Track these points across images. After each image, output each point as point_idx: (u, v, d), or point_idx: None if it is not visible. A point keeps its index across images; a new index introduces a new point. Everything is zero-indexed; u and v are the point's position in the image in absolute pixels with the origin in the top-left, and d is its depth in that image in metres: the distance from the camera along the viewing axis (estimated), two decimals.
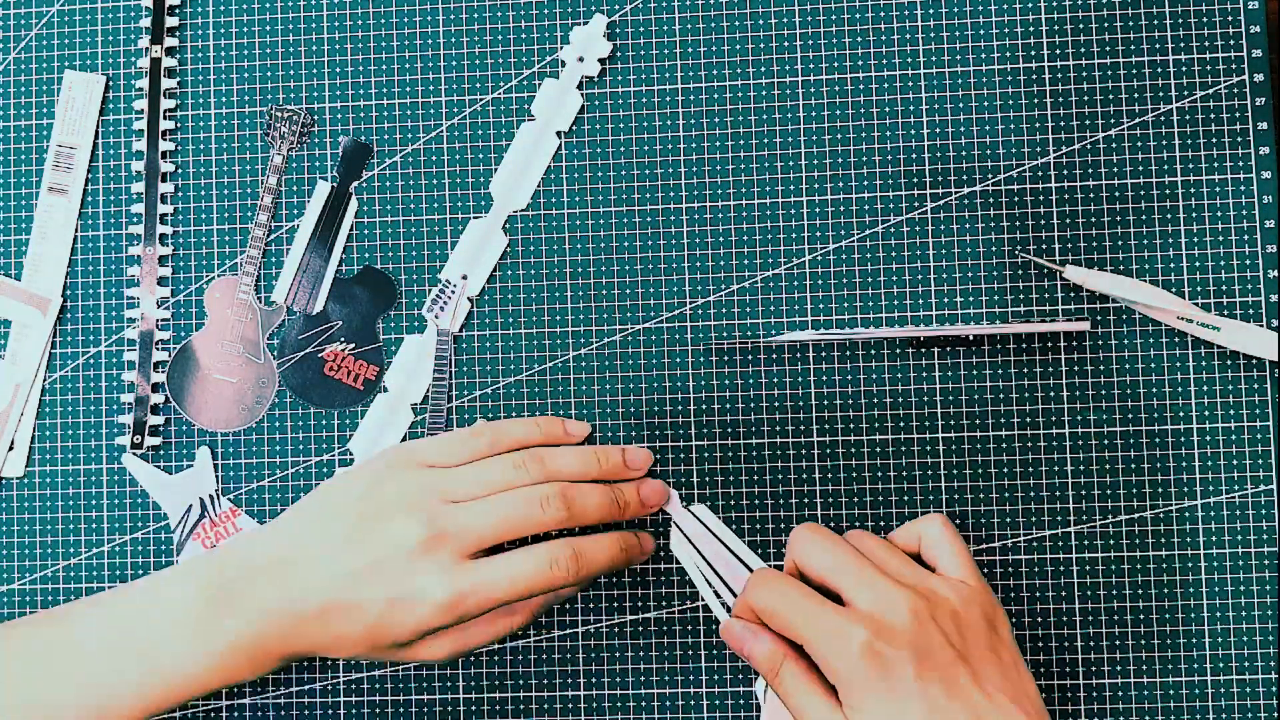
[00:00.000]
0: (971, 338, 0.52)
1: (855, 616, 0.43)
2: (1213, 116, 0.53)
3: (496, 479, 0.48)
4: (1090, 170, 0.53)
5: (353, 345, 0.55)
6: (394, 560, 0.45)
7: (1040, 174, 0.53)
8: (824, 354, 0.53)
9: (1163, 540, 0.52)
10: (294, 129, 0.55)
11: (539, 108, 0.54)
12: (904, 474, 0.52)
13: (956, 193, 0.53)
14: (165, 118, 0.55)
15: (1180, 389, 0.52)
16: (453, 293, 0.54)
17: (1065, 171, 0.53)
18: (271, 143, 0.55)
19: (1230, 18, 0.53)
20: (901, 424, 0.53)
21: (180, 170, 0.56)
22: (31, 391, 0.55)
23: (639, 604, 0.53)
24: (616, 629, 0.53)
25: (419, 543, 0.45)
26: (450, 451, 0.49)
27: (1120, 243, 0.52)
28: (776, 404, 0.53)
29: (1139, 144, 0.53)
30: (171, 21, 0.55)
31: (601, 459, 0.50)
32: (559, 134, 0.54)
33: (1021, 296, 0.53)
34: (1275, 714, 0.51)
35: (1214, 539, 0.52)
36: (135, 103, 0.56)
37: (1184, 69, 0.53)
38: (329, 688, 0.54)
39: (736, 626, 0.46)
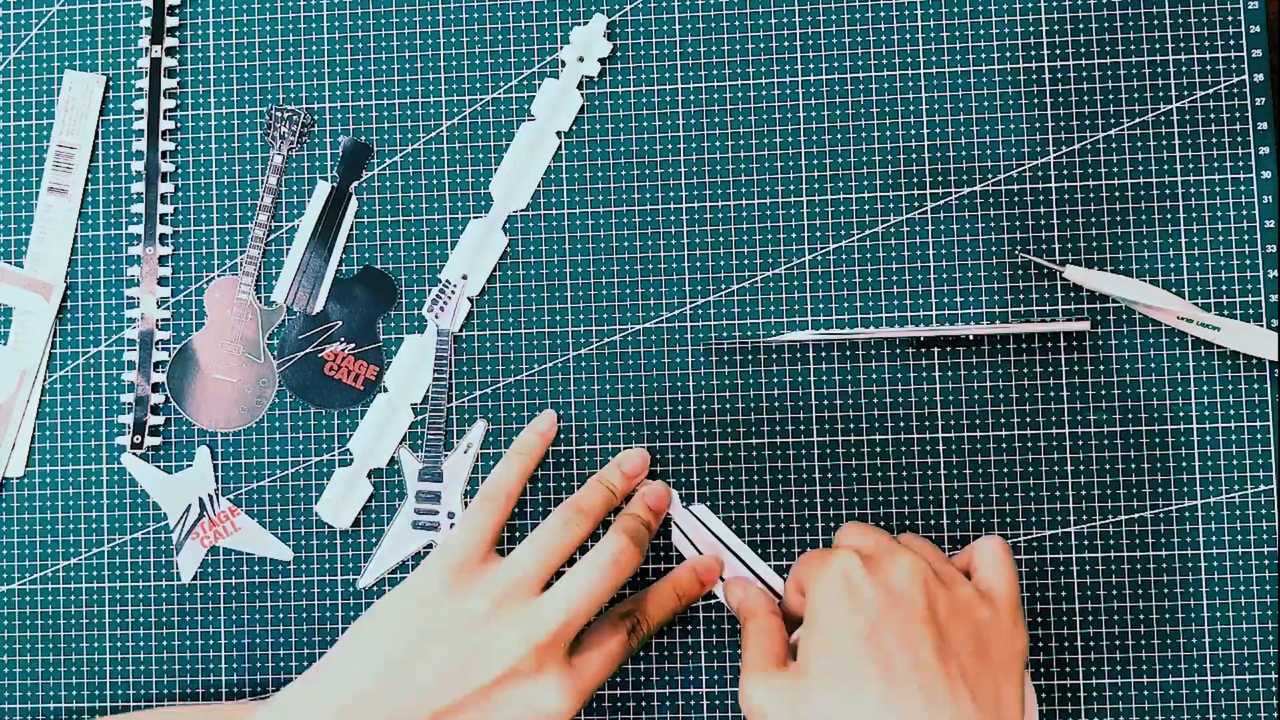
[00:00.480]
0: (971, 338, 0.52)
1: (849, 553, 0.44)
2: (1213, 116, 0.53)
3: (554, 544, 0.48)
4: (1090, 170, 0.53)
5: (353, 345, 0.55)
6: (508, 688, 0.45)
7: (1040, 174, 0.53)
8: (824, 354, 0.53)
9: (1163, 540, 0.52)
10: (294, 129, 0.55)
11: (539, 108, 0.54)
12: (904, 474, 0.52)
13: (956, 193, 0.53)
14: (165, 118, 0.55)
15: (1180, 389, 0.52)
16: (453, 293, 0.54)
17: (1065, 171, 0.53)
18: (271, 143, 0.55)
19: (1230, 18, 0.53)
20: (901, 424, 0.53)
21: (180, 170, 0.56)
22: (35, 382, 0.55)
23: None
24: None
25: (527, 657, 0.45)
26: (541, 562, 0.48)
27: (1120, 243, 0.52)
28: (776, 404, 0.53)
29: (1139, 144, 0.53)
30: (172, 21, 0.55)
31: (610, 483, 0.51)
32: (559, 134, 0.54)
33: (1021, 296, 0.53)
34: (1275, 714, 0.51)
35: (1214, 539, 0.52)
36: (135, 103, 0.56)
37: (1184, 69, 0.53)
38: None
39: (736, 586, 0.49)
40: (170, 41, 0.55)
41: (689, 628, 0.53)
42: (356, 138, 0.55)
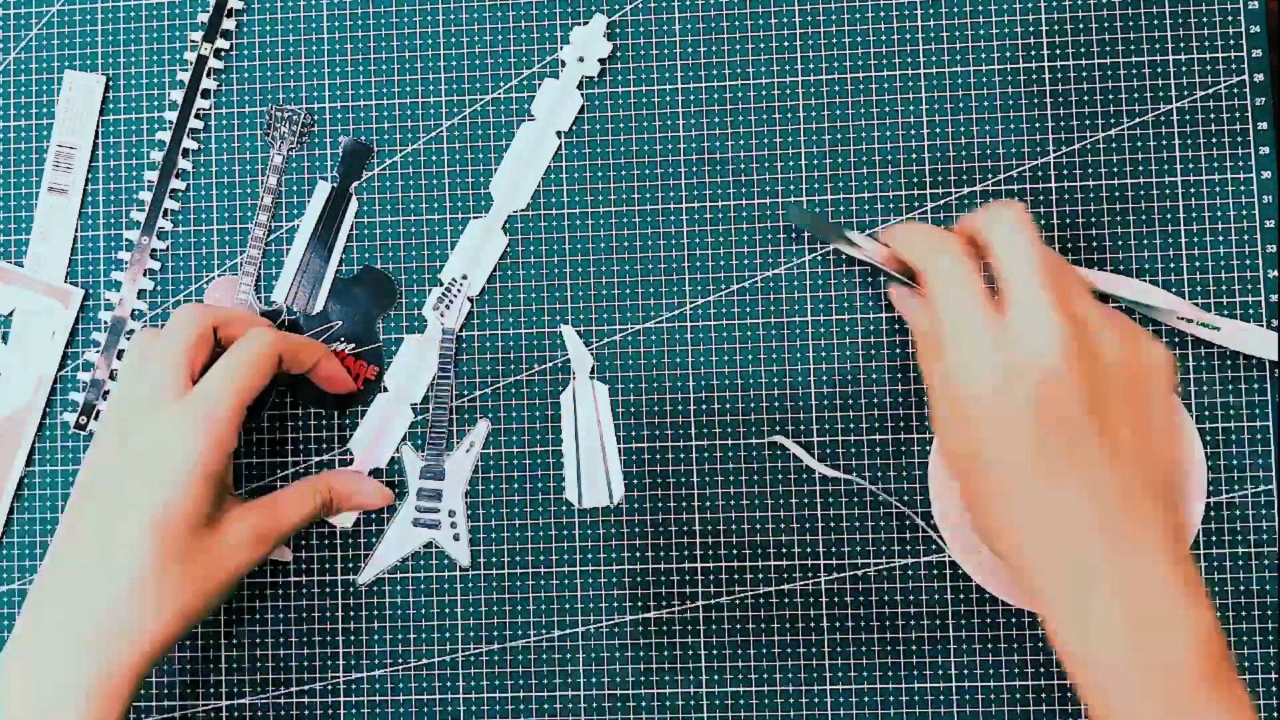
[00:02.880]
0: None
1: (1004, 332, 0.41)
2: (1213, 116, 0.53)
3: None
4: (1090, 170, 0.53)
5: (353, 345, 0.55)
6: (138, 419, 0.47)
7: (1040, 174, 0.53)
8: (824, 354, 0.53)
9: None
10: (294, 129, 0.55)
11: (539, 108, 0.54)
12: (904, 474, 0.52)
13: (956, 193, 0.53)
14: (196, 116, 0.55)
15: (1180, 389, 0.52)
16: (458, 292, 0.54)
17: (1065, 171, 0.53)
18: (271, 143, 0.55)
19: (1230, 18, 0.53)
20: (901, 424, 0.53)
21: (183, 170, 0.56)
22: (50, 388, 0.55)
23: (639, 604, 0.53)
24: (616, 629, 0.53)
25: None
26: None
27: (1120, 243, 0.53)
28: (776, 404, 0.53)
29: (1139, 144, 0.53)
30: (228, 24, 0.55)
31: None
32: (559, 134, 0.54)
33: None
34: (1275, 714, 0.51)
35: (1214, 539, 0.52)
36: (171, 92, 0.55)
37: (1184, 69, 0.53)
38: (329, 688, 0.54)
39: (909, 230, 0.45)
40: (221, 43, 0.55)
41: (689, 627, 0.53)
42: (356, 138, 0.55)
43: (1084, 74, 0.53)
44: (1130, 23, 0.53)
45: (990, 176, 0.53)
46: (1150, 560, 0.39)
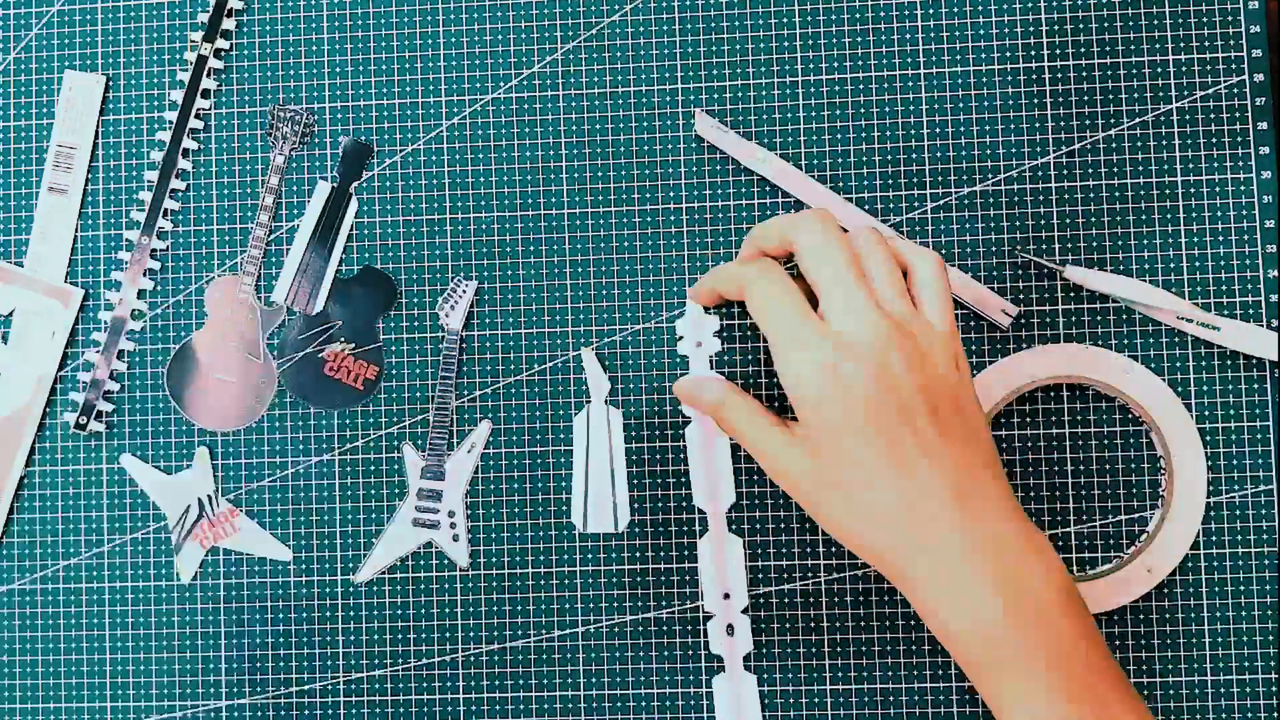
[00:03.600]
0: (972, 337, 0.52)
1: (823, 330, 0.43)
2: (1213, 116, 0.53)
3: None
4: (1090, 170, 0.53)
5: (353, 345, 0.55)
6: None
7: (1040, 174, 0.53)
8: None
9: None
10: (296, 129, 0.55)
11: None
12: None
13: (956, 193, 0.53)
14: (196, 116, 0.55)
15: (1180, 389, 0.52)
16: (463, 292, 0.54)
17: (1065, 171, 0.53)
18: (273, 143, 0.55)
19: (1230, 18, 0.53)
20: None
21: (183, 170, 0.56)
22: (49, 388, 0.55)
23: (639, 604, 0.53)
24: (616, 629, 0.53)
25: None
26: None
27: (1120, 243, 0.53)
28: (776, 404, 0.53)
29: (1139, 144, 0.53)
30: (228, 24, 0.55)
31: None
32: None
33: (1021, 296, 0.53)
34: (1275, 714, 0.51)
35: (1214, 539, 0.52)
36: (171, 92, 0.55)
37: (1184, 69, 0.53)
38: (329, 688, 0.54)
39: (684, 382, 0.49)
40: (221, 43, 0.55)
41: (689, 628, 0.53)
42: (356, 138, 0.55)
43: (1084, 74, 0.53)
44: (1130, 23, 0.53)
45: (990, 176, 0.53)
46: (1001, 522, 0.42)
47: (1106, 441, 0.52)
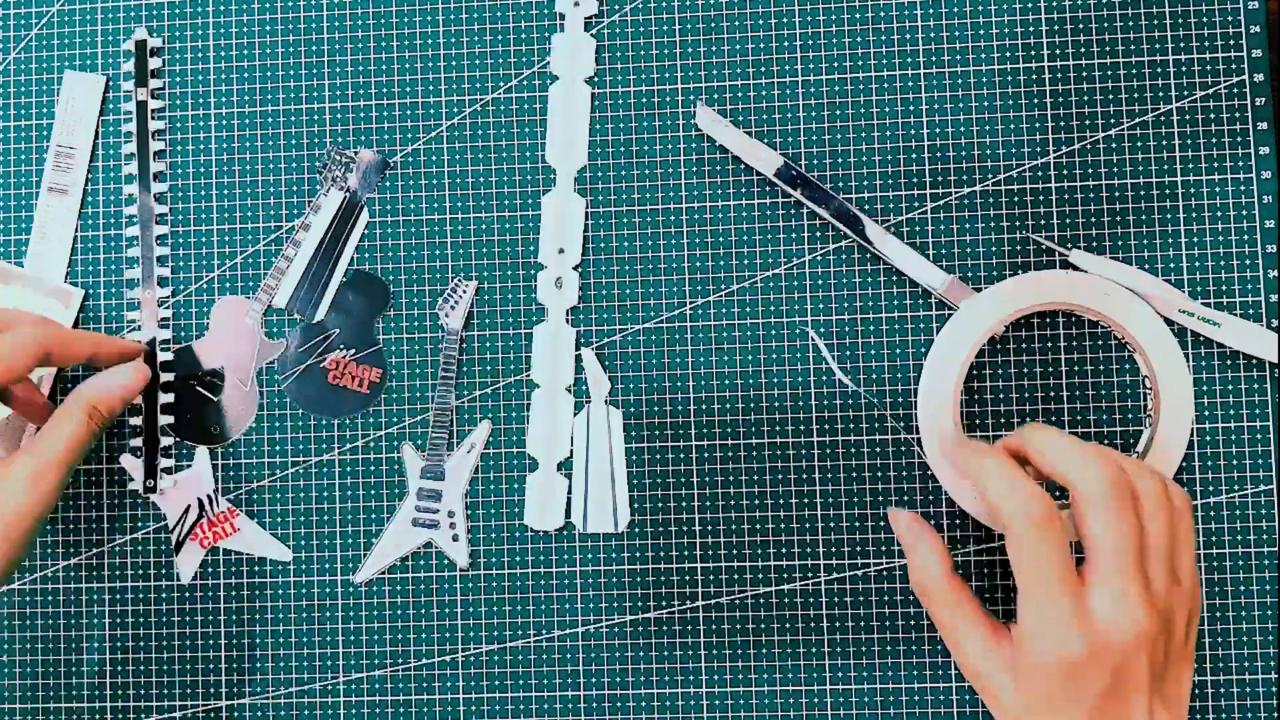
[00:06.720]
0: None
1: (1083, 613, 0.41)
2: (1213, 116, 0.53)
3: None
4: (1090, 170, 0.53)
5: (353, 351, 0.55)
6: None
7: (1040, 174, 0.53)
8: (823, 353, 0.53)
9: None
10: (344, 172, 0.55)
11: (558, 64, 0.54)
12: (904, 474, 0.52)
13: (956, 193, 0.53)
14: (155, 159, 0.55)
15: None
16: (463, 292, 0.54)
17: (1065, 171, 0.53)
18: (322, 182, 0.55)
19: (1230, 18, 0.53)
20: (902, 424, 0.53)
21: (179, 171, 0.56)
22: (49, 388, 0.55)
23: (639, 604, 0.53)
24: (616, 629, 0.53)
25: None
26: None
27: (1120, 242, 0.53)
28: (776, 404, 0.53)
29: (1139, 144, 0.53)
30: (155, 63, 0.55)
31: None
32: (588, 81, 0.54)
33: None
34: (1275, 714, 0.51)
35: (1214, 539, 0.52)
36: (124, 146, 0.55)
37: (1184, 69, 0.53)
38: (329, 688, 0.54)
39: (906, 519, 0.48)
40: (155, 83, 0.55)
41: (689, 628, 0.53)
42: (378, 150, 0.55)
43: (1084, 74, 0.53)
44: (1130, 23, 0.53)
45: (990, 176, 0.53)
46: None
47: (1106, 441, 0.52)
